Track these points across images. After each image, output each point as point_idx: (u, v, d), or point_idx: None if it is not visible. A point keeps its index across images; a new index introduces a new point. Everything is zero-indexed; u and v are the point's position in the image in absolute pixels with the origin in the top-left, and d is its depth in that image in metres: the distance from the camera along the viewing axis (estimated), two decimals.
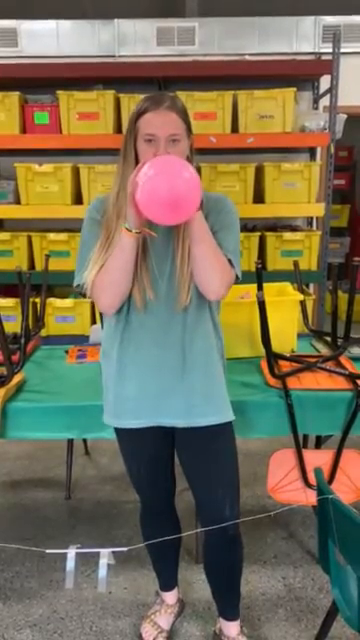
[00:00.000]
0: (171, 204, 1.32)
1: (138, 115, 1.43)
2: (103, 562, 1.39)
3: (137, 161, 1.45)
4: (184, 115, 1.45)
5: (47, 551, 1.39)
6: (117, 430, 1.65)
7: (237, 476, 1.65)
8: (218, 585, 1.78)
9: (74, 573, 1.39)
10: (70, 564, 1.37)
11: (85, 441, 3.09)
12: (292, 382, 1.93)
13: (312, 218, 4.19)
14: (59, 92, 3.54)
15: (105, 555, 1.39)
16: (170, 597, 1.93)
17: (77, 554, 1.40)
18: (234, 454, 1.63)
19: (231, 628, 1.81)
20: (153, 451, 1.65)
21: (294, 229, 3.90)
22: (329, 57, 3.52)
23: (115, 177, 1.51)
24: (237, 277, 1.54)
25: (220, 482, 1.61)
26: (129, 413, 1.57)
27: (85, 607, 2.03)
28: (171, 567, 1.90)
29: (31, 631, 1.92)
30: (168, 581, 1.93)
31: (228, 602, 1.81)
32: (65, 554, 1.38)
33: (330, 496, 1.32)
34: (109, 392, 1.61)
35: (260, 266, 2.17)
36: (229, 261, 1.50)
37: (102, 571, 1.39)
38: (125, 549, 1.40)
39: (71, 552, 1.38)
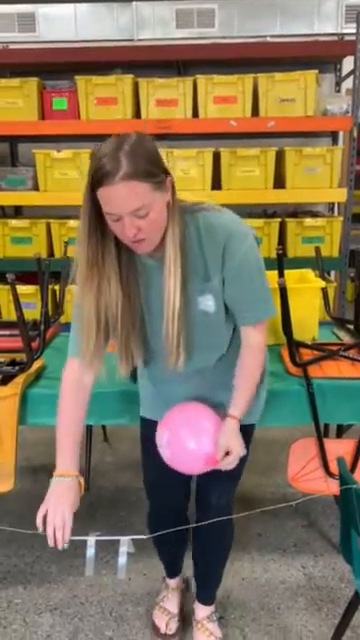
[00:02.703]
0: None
1: (94, 184, 1.22)
2: (123, 550, 1.39)
3: (105, 231, 1.30)
4: (147, 173, 1.20)
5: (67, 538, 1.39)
6: (142, 418, 1.67)
7: (239, 472, 1.61)
8: (199, 565, 1.80)
9: (94, 560, 1.39)
10: (90, 551, 1.37)
11: (104, 427, 3.10)
12: (314, 370, 1.90)
13: (334, 204, 4.12)
14: (77, 77, 3.51)
15: (125, 543, 1.39)
16: (174, 582, 1.94)
17: (97, 541, 1.40)
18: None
19: (200, 611, 1.84)
20: None
21: (315, 215, 3.84)
22: (352, 38, 3.43)
23: (78, 250, 1.30)
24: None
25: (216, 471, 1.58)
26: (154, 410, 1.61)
27: (105, 593, 2.04)
28: (178, 557, 1.89)
29: (51, 615, 1.94)
30: (173, 569, 1.92)
31: (204, 585, 1.83)
32: (85, 540, 1.38)
33: (354, 486, 1.29)
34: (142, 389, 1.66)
35: (281, 252, 2.13)
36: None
37: (122, 559, 1.39)
38: (145, 537, 1.40)
39: (91, 540, 1.38)
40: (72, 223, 3.61)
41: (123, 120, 3.52)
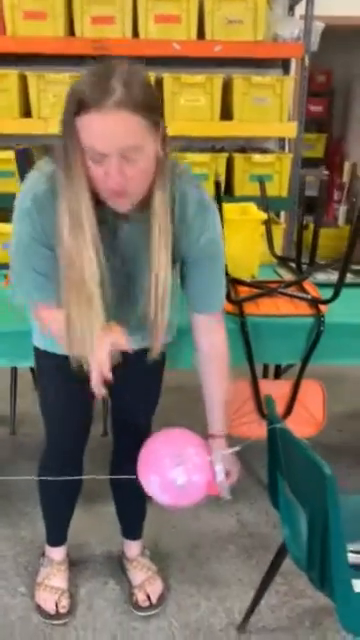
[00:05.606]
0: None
1: (77, 108, 1.00)
2: (219, 468, 1.31)
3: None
4: (144, 105, 1.01)
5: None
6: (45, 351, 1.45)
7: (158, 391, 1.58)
8: (123, 502, 1.69)
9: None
10: (220, 475, 1.32)
11: (33, 374, 2.90)
12: (249, 308, 1.77)
13: (284, 141, 3.91)
14: None
15: (218, 460, 1.31)
16: (59, 553, 1.74)
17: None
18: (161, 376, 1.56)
19: (132, 548, 1.75)
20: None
21: (264, 152, 3.63)
22: None
23: (61, 195, 1.09)
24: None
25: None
26: None
27: (21, 547, 1.90)
28: (69, 517, 1.71)
29: None
30: (62, 532, 1.73)
31: (130, 521, 1.74)
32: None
33: (278, 425, 1.16)
34: None
35: (219, 179, 1.95)
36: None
37: (220, 476, 1.32)
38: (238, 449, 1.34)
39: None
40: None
41: (55, 38, 3.17)
